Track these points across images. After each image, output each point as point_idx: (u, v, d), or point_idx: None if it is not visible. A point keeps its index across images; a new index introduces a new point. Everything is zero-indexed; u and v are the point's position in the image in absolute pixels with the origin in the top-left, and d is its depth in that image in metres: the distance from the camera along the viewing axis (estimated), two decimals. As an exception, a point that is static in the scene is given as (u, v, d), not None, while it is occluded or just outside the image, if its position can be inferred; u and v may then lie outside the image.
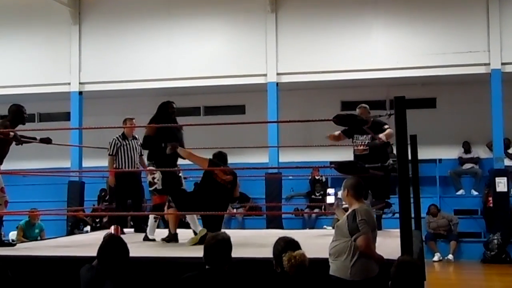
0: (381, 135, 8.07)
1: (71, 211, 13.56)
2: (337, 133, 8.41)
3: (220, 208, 6.91)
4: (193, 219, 7.26)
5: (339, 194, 5.44)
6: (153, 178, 7.45)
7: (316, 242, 5.24)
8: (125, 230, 8.87)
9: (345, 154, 9.23)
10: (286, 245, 4.27)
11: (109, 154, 8.78)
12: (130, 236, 8.22)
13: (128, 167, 8.68)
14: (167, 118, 7.54)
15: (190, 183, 14.87)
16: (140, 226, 8.74)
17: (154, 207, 7.95)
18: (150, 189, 7.76)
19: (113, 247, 4.39)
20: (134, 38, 15.38)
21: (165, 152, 7.18)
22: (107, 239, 4.48)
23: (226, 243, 4.25)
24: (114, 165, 8.71)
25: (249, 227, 13.70)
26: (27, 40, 16.04)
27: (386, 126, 8.29)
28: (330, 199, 5.50)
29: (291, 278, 4.14)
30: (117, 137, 8.69)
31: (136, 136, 8.84)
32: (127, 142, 8.69)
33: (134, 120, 8.79)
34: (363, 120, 6.32)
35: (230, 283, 4.17)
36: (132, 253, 4.51)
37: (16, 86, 15.74)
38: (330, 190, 6.01)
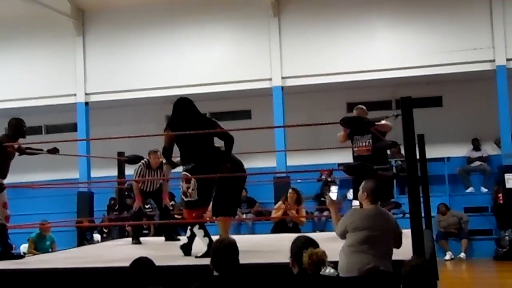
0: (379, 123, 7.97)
1: (80, 221, 13.59)
2: (344, 132, 8.26)
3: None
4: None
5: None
6: (188, 188, 6.29)
7: (328, 245, 5.23)
8: (152, 238, 8.87)
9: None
10: (306, 243, 4.27)
11: (134, 181, 8.83)
12: (150, 245, 8.27)
13: (147, 189, 8.82)
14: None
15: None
16: (169, 234, 8.85)
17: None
18: (184, 199, 6.48)
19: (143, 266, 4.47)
20: (138, 47, 15.45)
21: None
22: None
23: (233, 247, 4.24)
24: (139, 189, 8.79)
25: (259, 232, 13.68)
26: (32, 53, 16.14)
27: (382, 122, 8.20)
28: (334, 196, 5.59)
29: (309, 278, 4.12)
30: (142, 163, 8.68)
31: (163, 163, 8.73)
32: (150, 171, 8.65)
33: (158, 153, 8.70)
34: (369, 122, 6.30)
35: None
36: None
37: (22, 99, 15.85)
38: (334, 188, 6.05)
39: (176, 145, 6.50)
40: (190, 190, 6.28)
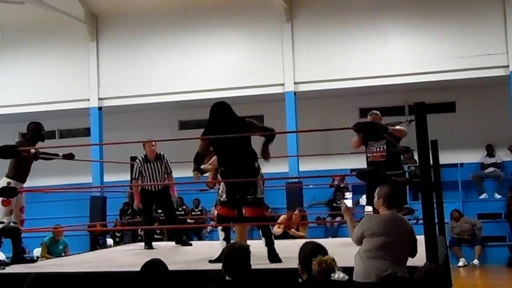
0: (393, 128, 7.96)
1: (93, 226, 13.63)
2: (358, 138, 8.25)
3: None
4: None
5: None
6: (218, 189, 6.81)
7: (341, 251, 5.24)
8: (165, 243, 8.87)
9: (365, 162, 9.19)
10: (314, 249, 4.25)
11: (132, 178, 8.78)
12: (162, 251, 8.28)
13: (151, 189, 8.64)
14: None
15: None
16: (180, 238, 8.83)
17: (217, 216, 6.68)
18: (218, 198, 6.98)
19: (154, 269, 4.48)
20: (151, 52, 15.51)
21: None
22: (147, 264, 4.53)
23: (244, 252, 4.24)
24: (139, 188, 8.73)
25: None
26: (46, 58, 16.24)
27: (397, 127, 8.19)
28: (349, 202, 5.59)
29: (318, 285, 4.10)
30: (139, 160, 8.65)
31: (161, 154, 8.70)
32: (149, 165, 8.59)
33: (153, 142, 8.70)
34: (383, 127, 6.27)
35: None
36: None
37: (36, 104, 15.94)
38: (348, 194, 6.08)
39: (213, 149, 6.56)
40: (220, 192, 6.58)
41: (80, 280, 5.71)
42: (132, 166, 9.44)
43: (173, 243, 9.11)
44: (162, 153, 8.69)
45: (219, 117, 6.40)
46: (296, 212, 9.86)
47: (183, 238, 8.94)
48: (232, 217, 6.54)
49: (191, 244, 8.90)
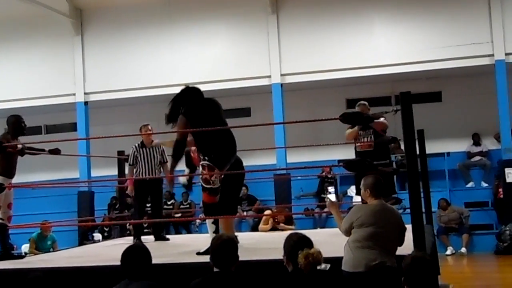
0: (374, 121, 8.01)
1: (81, 221, 13.60)
2: (356, 128, 8.28)
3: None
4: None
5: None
6: (211, 176, 6.28)
7: (329, 241, 5.25)
8: (143, 237, 8.84)
9: (353, 152, 9.23)
10: (300, 241, 4.25)
11: (129, 164, 8.74)
12: (150, 244, 8.26)
13: (149, 185, 8.56)
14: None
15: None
16: (159, 234, 8.79)
17: (205, 206, 6.56)
18: (206, 186, 6.39)
19: (137, 253, 4.30)
20: (136, 45, 15.43)
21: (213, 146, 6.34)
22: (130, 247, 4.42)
23: (231, 243, 4.24)
24: (134, 175, 8.67)
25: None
26: (31, 53, 16.12)
27: (381, 119, 8.24)
28: (332, 197, 5.58)
29: (304, 276, 4.11)
30: (135, 146, 8.61)
31: (158, 143, 8.71)
32: (144, 151, 8.56)
33: (149, 126, 8.67)
34: (369, 117, 6.30)
35: (239, 285, 4.16)
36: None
37: (21, 99, 15.82)
38: (331, 189, 6.09)
39: (192, 137, 6.50)
40: (213, 178, 6.32)
41: (70, 274, 5.70)
42: (119, 161, 9.45)
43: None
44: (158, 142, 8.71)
45: (198, 102, 6.43)
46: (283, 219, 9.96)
47: (161, 234, 8.90)
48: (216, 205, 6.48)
49: (168, 239, 8.85)
